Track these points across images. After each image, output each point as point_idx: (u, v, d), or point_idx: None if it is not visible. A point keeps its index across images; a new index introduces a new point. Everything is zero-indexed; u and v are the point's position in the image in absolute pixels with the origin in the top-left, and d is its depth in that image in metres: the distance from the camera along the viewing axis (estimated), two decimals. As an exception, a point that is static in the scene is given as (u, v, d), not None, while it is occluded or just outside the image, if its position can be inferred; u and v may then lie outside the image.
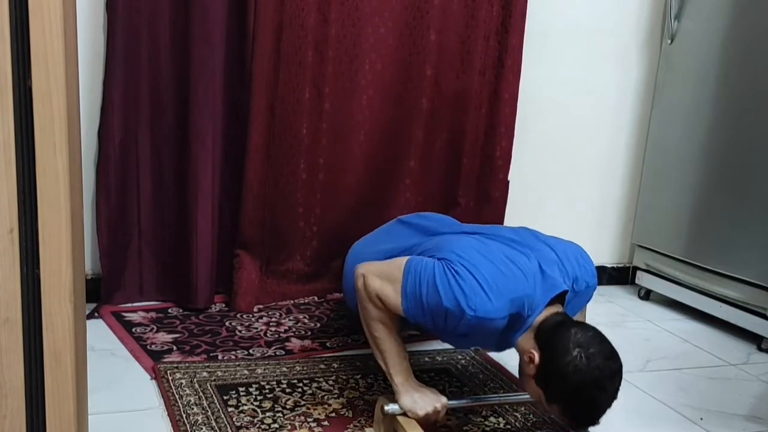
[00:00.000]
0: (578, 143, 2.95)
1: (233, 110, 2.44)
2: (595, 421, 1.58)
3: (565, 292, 1.69)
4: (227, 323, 2.35)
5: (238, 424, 1.74)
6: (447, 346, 2.30)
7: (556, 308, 1.66)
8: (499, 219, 2.75)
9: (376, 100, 2.56)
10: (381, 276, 1.70)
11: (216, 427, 1.71)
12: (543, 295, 1.66)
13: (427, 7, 2.52)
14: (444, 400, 1.66)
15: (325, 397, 1.90)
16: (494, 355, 2.24)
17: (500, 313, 1.60)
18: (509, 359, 2.23)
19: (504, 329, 1.64)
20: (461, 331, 1.64)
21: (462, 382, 2.07)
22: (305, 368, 2.06)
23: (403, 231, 2.04)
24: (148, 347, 2.13)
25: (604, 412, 1.56)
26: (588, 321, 1.83)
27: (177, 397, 1.83)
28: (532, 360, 1.58)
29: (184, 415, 1.75)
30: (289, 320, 2.42)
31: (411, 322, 1.71)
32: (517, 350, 1.66)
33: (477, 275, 1.61)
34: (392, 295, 1.67)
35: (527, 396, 1.97)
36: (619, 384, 1.56)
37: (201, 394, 1.86)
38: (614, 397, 1.56)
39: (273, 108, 2.43)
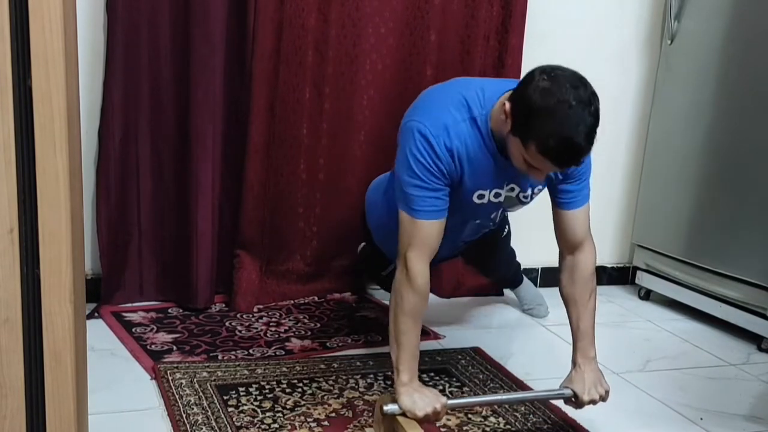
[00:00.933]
0: (578, 143, 2.94)
1: (233, 110, 2.44)
2: (575, 157, 1.50)
3: None
4: (227, 323, 2.35)
5: (238, 424, 1.74)
6: (447, 345, 2.30)
7: None
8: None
9: (376, 100, 2.56)
10: (405, 239, 1.69)
11: (216, 427, 1.71)
12: (494, 87, 1.69)
13: (427, 7, 2.51)
14: (444, 400, 1.65)
15: (325, 397, 1.90)
16: (494, 355, 2.24)
17: (453, 117, 1.65)
18: (509, 359, 2.24)
19: (481, 135, 1.67)
20: (464, 165, 1.67)
21: (462, 382, 2.07)
22: (305, 368, 2.06)
23: None
24: (148, 347, 2.13)
25: (581, 141, 1.47)
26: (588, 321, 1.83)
27: (177, 397, 1.83)
28: (506, 114, 1.57)
29: (184, 415, 1.75)
30: (289, 320, 2.42)
31: (447, 203, 1.70)
32: (499, 132, 1.66)
33: (415, 125, 1.67)
34: (419, 225, 1.67)
35: (527, 396, 1.98)
36: (596, 109, 1.49)
37: (201, 394, 1.86)
38: (589, 121, 1.47)
39: (273, 108, 2.43)
